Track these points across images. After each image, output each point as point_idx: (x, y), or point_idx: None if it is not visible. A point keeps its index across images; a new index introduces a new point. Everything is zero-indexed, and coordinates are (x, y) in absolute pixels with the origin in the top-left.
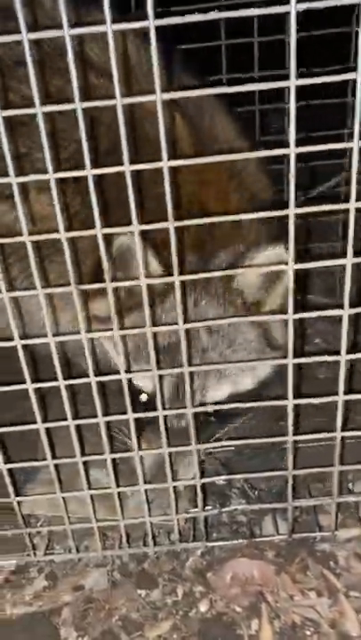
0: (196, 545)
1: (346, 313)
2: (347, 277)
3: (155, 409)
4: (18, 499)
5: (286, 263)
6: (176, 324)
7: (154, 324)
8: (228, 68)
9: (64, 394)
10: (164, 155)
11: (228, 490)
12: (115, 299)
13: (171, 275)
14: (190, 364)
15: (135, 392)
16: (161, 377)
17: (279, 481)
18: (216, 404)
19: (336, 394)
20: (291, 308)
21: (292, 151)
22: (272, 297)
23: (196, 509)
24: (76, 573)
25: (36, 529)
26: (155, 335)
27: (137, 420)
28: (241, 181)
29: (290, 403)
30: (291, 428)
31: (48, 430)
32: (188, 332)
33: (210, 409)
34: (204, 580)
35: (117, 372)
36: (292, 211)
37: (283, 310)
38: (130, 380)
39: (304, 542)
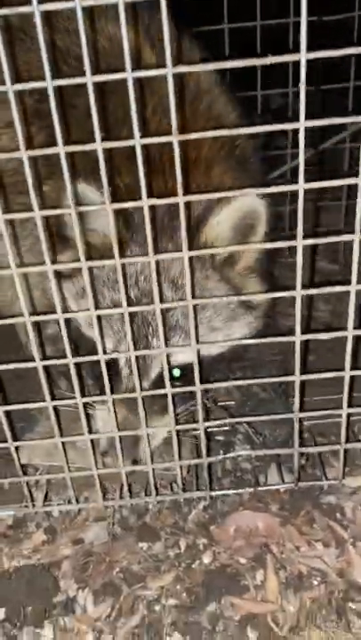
0: (200, 494)
1: (356, 238)
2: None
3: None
4: (16, 444)
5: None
6: None
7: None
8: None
9: (63, 328)
10: (169, 62)
11: (233, 436)
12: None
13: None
14: (151, 324)
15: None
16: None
17: (284, 429)
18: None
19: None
20: (300, 233)
21: (303, 57)
22: (247, 252)
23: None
24: (75, 527)
25: (34, 477)
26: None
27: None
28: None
29: (297, 338)
30: (298, 367)
31: (47, 371)
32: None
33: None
34: (207, 533)
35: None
36: (302, 124)
37: (259, 267)
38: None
39: (309, 494)
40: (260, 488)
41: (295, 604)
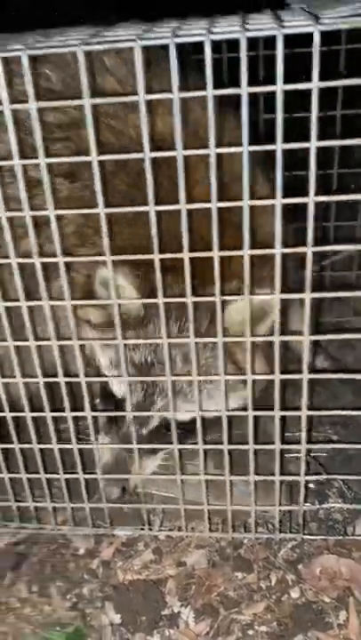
0: (293, 536)
1: None
2: None
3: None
4: (139, 476)
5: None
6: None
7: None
8: None
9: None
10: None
11: (328, 489)
12: (103, 314)
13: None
14: (158, 385)
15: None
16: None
17: None
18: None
19: None
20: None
21: None
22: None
23: (295, 505)
24: (179, 551)
25: (153, 506)
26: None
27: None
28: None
29: None
30: None
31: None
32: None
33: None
34: (295, 571)
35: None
36: None
37: (263, 348)
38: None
39: None
40: (347, 537)
41: None
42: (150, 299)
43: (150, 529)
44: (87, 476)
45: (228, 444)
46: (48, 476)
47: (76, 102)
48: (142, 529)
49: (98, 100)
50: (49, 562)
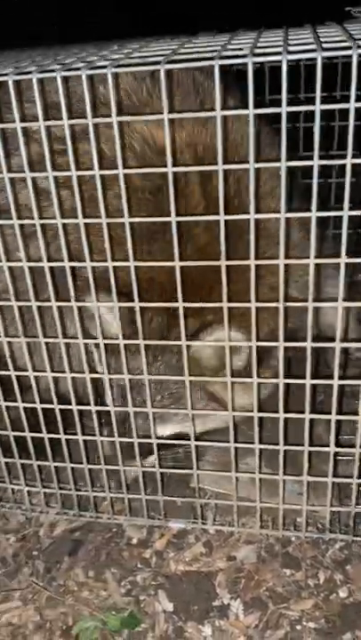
0: (343, 537)
1: None
2: None
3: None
4: (197, 472)
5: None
6: None
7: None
8: None
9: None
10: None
11: None
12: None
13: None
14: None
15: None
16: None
17: None
18: None
19: None
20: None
21: None
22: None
23: (347, 506)
24: (228, 546)
25: (206, 500)
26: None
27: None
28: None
29: None
30: None
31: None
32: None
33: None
34: (343, 571)
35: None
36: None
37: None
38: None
39: None
40: None
41: None
42: (131, 328)
43: (204, 523)
44: (145, 469)
45: (261, 443)
46: (108, 467)
47: (152, 117)
48: (195, 522)
49: (174, 115)
50: (104, 549)
